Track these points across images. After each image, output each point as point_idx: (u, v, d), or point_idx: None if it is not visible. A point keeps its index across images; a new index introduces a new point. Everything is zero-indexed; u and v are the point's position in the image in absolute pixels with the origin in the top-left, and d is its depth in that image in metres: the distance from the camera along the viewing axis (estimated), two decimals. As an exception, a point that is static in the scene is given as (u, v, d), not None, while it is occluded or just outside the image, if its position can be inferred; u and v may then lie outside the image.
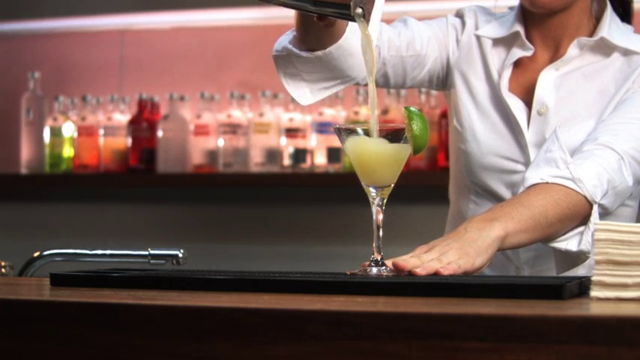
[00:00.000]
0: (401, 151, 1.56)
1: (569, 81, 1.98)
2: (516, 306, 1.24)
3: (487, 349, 1.14)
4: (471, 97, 2.02)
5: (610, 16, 2.00)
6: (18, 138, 3.68)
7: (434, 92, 3.22)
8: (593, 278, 1.32)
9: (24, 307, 1.33)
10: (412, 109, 1.56)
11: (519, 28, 1.99)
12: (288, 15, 3.79)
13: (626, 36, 2.00)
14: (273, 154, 3.37)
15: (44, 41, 3.81)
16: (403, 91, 3.25)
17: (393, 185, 1.58)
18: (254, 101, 3.45)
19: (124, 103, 3.60)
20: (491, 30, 2.04)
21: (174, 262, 1.96)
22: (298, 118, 3.37)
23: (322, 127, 3.32)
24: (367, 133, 1.54)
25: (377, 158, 1.56)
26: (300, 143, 3.36)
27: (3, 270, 1.95)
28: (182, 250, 1.98)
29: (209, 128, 3.46)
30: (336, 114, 3.31)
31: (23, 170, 3.65)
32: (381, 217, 1.59)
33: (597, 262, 1.32)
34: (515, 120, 1.96)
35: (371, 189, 1.59)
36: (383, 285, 1.32)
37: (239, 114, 3.42)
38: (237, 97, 3.44)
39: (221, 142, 3.42)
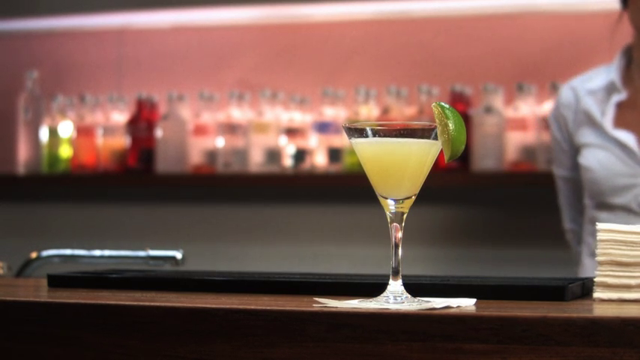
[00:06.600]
0: (428, 153, 1.29)
1: None
2: (518, 307, 1.23)
3: (489, 350, 1.14)
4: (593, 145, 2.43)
5: None
6: (15, 138, 3.67)
7: (435, 92, 3.22)
8: (596, 279, 1.32)
9: (21, 308, 1.32)
10: (445, 105, 1.26)
11: (614, 76, 2.42)
12: (288, 15, 3.79)
13: None
14: (273, 154, 3.36)
15: (42, 40, 3.80)
16: (404, 91, 3.24)
17: (414, 197, 1.31)
18: (253, 101, 3.44)
19: (123, 103, 3.59)
20: (594, 84, 2.47)
21: (173, 263, 1.95)
22: (298, 118, 3.36)
23: (322, 127, 3.31)
24: (382, 132, 1.29)
25: (398, 163, 1.29)
26: (300, 143, 3.35)
27: (0, 271, 1.94)
28: (181, 251, 1.97)
29: (208, 128, 3.45)
30: (335, 114, 3.30)
31: (21, 170, 3.64)
32: (400, 235, 1.30)
33: (600, 263, 1.31)
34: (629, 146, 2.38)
35: (389, 201, 1.30)
36: (383, 286, 1.31)
37: (238, 113, 3.41)
38: (236, 97, 3.43)
39: (220, 142, 3.41)
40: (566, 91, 2.51)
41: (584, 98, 2.46)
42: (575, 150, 2.48)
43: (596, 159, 2.40)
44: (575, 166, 2.50)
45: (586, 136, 2.44)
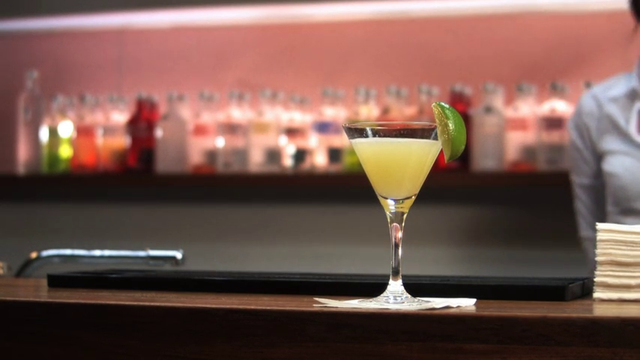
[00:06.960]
0: (428, 153, 1.30)
1: None
2: (518, 307, 1.23)
3: (489, 350, 1.14)
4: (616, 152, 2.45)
5: None
6: (15, 138, 3.67)
7: (435, 92, 3.22)
8: (596, 279, 1.32)
9: (21, 308, 1.32)
10: (445, 105, 1.27)
11: (635, 83, 2.44)
12: (288, 15, 3.79)
13: None
14: (273, 154, 3.36)
15: (42, 40, 3.80)
16: (404, 91, 3.24)
17: (414, 197, 1.32)
18: (254, 100, 3.44)
19: (123, 103, 3.59)
20: (615, 92, 2.49)
21: (173, 263, 1.95)
22: (298, 118, 3.36)
23: (322, 127, 3.31)
24: (382, 132, 1.30)
25: (398, 163, 1.29)
26: (300, 143, 3.34)
27: (0, 271, 1.94)
28: (181, 251, 1.97)
29: (208, 128, 3.45)
30: (335, 114, 3.30)
31: (21, 170, 3.64)
32: (400, 235, 1.30)
33: (600, 263, 1.31)
34: None
35: (389, 201, 1.31)
36: (383, 286, 1.31)
37: (238, 113, 3.41)
38: (236, 97, 3.43)
39: (220, 142, 3.41)
40: (587, 100, 2.52)
41: (606, 105, 2.48)
42: (598, 157, 2.50)
43: (622, 165, 2.42)
44: (597, 174, 2.51)
45: (610, 142, 2.46)
